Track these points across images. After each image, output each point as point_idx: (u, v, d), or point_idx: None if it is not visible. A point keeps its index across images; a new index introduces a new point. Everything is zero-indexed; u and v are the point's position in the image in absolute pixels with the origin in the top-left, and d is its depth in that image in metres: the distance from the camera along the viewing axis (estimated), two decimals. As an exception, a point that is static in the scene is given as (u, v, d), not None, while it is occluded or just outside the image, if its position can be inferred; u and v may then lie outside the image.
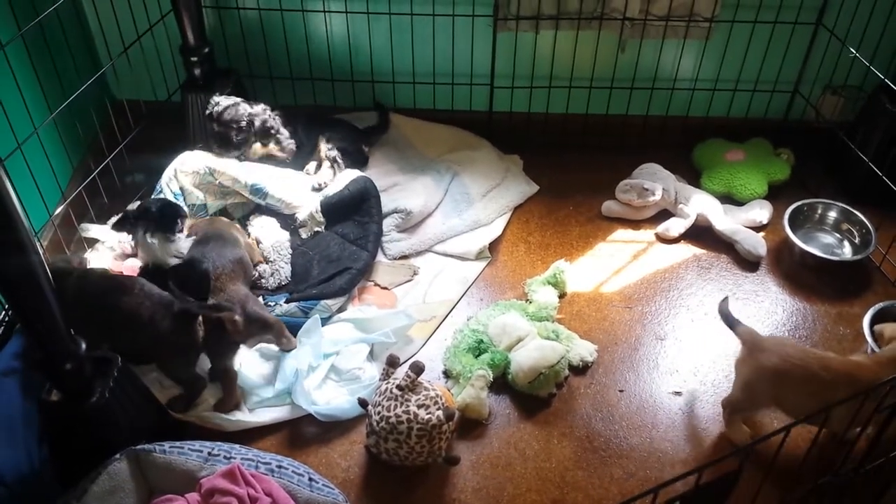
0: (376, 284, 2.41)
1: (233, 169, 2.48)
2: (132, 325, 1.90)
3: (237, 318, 1.98)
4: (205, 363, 2.07)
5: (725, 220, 2.57)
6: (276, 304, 2.23)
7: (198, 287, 2.02)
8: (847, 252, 2.52)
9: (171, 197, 2.44)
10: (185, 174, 2.47)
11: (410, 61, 2.82)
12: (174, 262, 2.12)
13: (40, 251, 1.47)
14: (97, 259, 2.41)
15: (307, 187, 2.58)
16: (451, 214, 2.61)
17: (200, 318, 1.93)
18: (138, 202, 2.23)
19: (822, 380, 1.74)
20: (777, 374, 1.78)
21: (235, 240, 2.24)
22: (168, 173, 2.47)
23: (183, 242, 2.18)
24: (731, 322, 1.95)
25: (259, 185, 2.47)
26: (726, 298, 2.01)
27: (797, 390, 1.78)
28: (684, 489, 1.30)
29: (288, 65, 2.85)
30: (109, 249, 2.43)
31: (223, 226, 2.30)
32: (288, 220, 2.53)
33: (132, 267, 2.35)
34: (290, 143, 2.65)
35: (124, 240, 2.41)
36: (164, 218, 2.15)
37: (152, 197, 2.40)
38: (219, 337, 1.99)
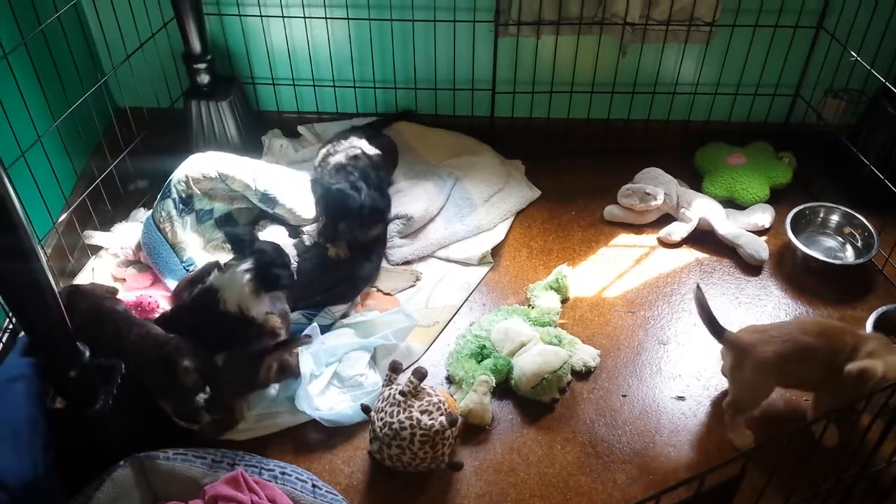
0: (379, 290, 2.41)
1: (245, 175, 2.43)
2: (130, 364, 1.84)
3: (274, 365, 1.97)
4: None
5: (727, 224, 2.57)
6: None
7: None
8: (849, 256, 2.51)
9: (177, 199, 2.41)
10: (196, 180, 2.40)
11: (412, 67, 2.83)
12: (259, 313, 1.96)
13: (43, 259, 1.47)
14: (101, 266, 2.42)
15: None
16: (454, 220, 2.62)
17: (188, 363, 1.84)
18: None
19: (808, 345, 1.84)
20: (776, 359, 1.84)
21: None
22: (177, 176, 2.41)
23: (264, 304, 1.99)
24: (717, 329, 1.92)
25: (270, 194, 2.45)
26: (701, 291, 1.93)
27: (795, 363, 1.85)
28: (687, 494, 1.30)
29: (290, 72, 2.86)
30: (113, 256, 2.44)
31: None
32: (295, 227, 2.53)
33: (134, 274, 2.37)
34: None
35: (127, 246, 2.41)
36: (269, 276, 1.98)
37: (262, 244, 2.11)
38: (230, 380, 1.92)
